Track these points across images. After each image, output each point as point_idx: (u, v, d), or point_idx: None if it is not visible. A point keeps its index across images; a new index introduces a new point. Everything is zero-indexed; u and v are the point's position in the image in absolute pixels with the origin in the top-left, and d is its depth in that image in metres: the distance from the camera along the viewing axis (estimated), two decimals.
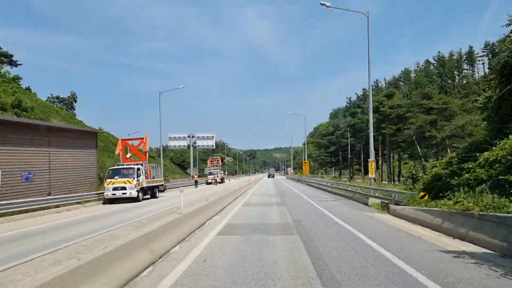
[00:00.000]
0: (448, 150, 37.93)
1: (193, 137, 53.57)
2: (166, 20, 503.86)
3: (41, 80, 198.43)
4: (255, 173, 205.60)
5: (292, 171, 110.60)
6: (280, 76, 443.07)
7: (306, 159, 61.59)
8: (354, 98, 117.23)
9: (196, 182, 44.65)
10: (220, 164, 61.48)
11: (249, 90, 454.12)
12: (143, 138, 26.35)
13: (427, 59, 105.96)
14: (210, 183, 46.26)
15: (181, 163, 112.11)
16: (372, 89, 33.06)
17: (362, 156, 59.73)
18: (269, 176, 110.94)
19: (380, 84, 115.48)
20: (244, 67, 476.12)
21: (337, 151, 75.29)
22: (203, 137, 55.11)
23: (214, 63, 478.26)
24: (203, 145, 54.81)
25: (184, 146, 53.97)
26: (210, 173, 49.68)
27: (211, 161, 61.70)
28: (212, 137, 56.11)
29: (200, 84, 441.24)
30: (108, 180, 22.01)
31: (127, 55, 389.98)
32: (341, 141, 71.66)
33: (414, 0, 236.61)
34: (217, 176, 50.17)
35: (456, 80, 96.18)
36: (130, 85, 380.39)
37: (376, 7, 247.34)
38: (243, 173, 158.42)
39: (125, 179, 22.00)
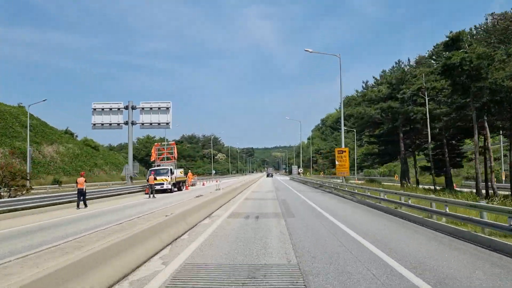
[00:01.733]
0: None
1: (134, 108, 32.59)
2: (168, 19, 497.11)
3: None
4: (252, 172, 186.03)
5: (300, 170, 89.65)
6: (282, 75, 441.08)
7: (343, 145, 33.40)
8: (371, 82, 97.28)
9: (151, 188, 25.33)
10: (175, 156, 38.28)
11: (250, 90, 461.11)
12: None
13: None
14: (153, 192, 25.56)
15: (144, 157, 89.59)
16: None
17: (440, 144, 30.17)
18: (268, 176, 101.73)
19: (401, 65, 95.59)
20: (246, 67, 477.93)
21: (392, 132, 37.12)
22: (150, 108, 32.93)
23: (216, 63, 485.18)
24: (151, 123, 33.25)
25: (119, 124, 32.48)
26: (156, 173, 28.33)
27: (158, 150, 37.60)
28: (167, 108, 32.93)
29: (201, 84, 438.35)
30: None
31: (130, 54, 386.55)
32: (409, 110, 31.60)
33: None
34: (168, 178, 29.75)
35: None
36: (131, 83, 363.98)
37: None
38: (237, 172, 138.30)
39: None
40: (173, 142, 44.49)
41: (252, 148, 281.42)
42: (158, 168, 31.84)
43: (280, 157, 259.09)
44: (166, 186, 29.31)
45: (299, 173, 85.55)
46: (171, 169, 30.41)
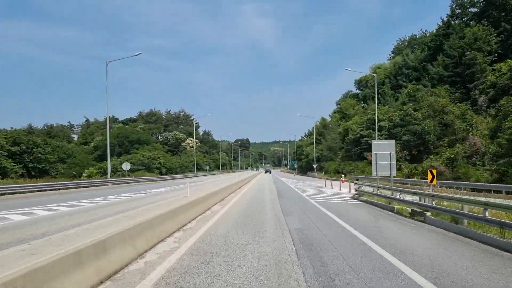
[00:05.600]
0: None
1: None
2: (164, 15, 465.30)
3: None
4: (247, 168, 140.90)
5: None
6: (279, 71, 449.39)
7: None
8: None
9: None
10: None
11: (247, 86, 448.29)
12: None
13: None
14: None
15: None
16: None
17: None
18: (266, 172, 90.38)
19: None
20: (242, 63, 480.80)
21: None
22: None
23: (213, 59, 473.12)
24: None
25: None
26: None
27: None
28: None
29: (198, 80, 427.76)
30: None
31: (126, 50, 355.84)
32: None
33: None
34: None
35: None
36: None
37: None
38: (219, 168, 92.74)
39: None
40: None
41: (248, 139, 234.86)
42: None
43: (281, 151, 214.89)
44: None
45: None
46: None
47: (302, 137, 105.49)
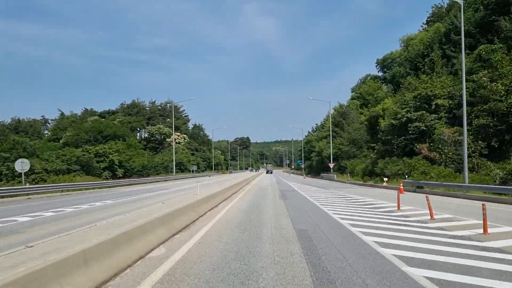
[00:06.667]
0: None
1: None
2: (168, 15, 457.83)
3: None
4: (246, 169, 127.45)
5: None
6: (282, 71, 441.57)
7: None
8: None
9: None
10: None
11: (250, 85, 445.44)
12: None
13: None
14: None
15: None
16: None
17: None
18: (267, 172, 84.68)
19: None
20: (246, 62, 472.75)
21: None
22: None
23: (216, 59, 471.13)
24: None
25: None
26: None
27: None
28: None
29: (201, 79, 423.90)
30: None
31: (129, 49, 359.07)
32: None
33: None
34: None
35: None
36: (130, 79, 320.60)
37: None
38: (212, 169, 78.48)
39: None
40: None
41: (248, 138, 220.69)
42: None
43: (283, 151, 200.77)
44: None
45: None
46: None
47: (309, 132, 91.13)
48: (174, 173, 49.88)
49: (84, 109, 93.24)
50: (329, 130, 52.13)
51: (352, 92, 67.43)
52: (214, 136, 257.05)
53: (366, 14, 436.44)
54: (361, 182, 32.87)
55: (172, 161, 59.82)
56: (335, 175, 42.71)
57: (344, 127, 48.31)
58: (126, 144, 60.23)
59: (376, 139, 45.56)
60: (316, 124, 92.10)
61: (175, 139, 72.06)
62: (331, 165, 46.75)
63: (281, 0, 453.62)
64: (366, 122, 44.79)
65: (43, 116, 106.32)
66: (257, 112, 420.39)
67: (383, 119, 41.06)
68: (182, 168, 60.86)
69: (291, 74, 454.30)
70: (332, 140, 48.85)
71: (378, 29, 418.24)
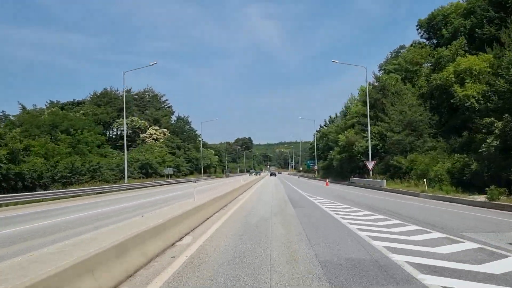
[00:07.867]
0: None
1: None
2: (170, 19, 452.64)
3: None
4: (250, 172, 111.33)
5: None
6: (284, 73, 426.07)
7: None
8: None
9: None
10: None
11: (252, 88, 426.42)
12: None
13: None
14: None
15: None
16: None
17: None
18: (271, 175, 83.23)
19: None
20: (248, 65, 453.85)
21: None
22: None
23: (219, 62, 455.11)
24: None
25: None
26: None
27: None
28: None
29: (204, 83, 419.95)
30: None
31: (131, 53, 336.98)
32: None
33: None
34: None
35: None
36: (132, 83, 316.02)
37: None
38: (200, 172, 62.10)
39: None
40: None
41: (250, 138, 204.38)
42: None
43: (287, 152, 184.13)
44: None
45: None
46: None
47: (321, 126, 74.20)
48: (126, 180, 33.55)
49: (49, 101, 77.43)
50: (360, 114, 35.63)
51: (379, 70, 50.79)
52: (210, 138, 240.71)
53: (368, 15, 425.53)
54: (470, 199, 16.21)
55: (144, 161, 43.46)
56: (384, 181, 26.16)
57: (387, 108, 31.85)
58: (71, 140, 44.23)
59: (441, 123, 28.99)
60: (330, 116, 75.46)
61: (151, 134, 55.72)
62: (370, 165, 30.20)
63: (282, 3, 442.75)
64: (427, 95, 28.43)
65: (3, 111, 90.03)
66: (260, 114, 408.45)
67: (462, 87, 24.57)
68: (149, 171, 44.49)
69: (293, 76, 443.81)
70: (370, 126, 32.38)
71: (380, 30, 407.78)
